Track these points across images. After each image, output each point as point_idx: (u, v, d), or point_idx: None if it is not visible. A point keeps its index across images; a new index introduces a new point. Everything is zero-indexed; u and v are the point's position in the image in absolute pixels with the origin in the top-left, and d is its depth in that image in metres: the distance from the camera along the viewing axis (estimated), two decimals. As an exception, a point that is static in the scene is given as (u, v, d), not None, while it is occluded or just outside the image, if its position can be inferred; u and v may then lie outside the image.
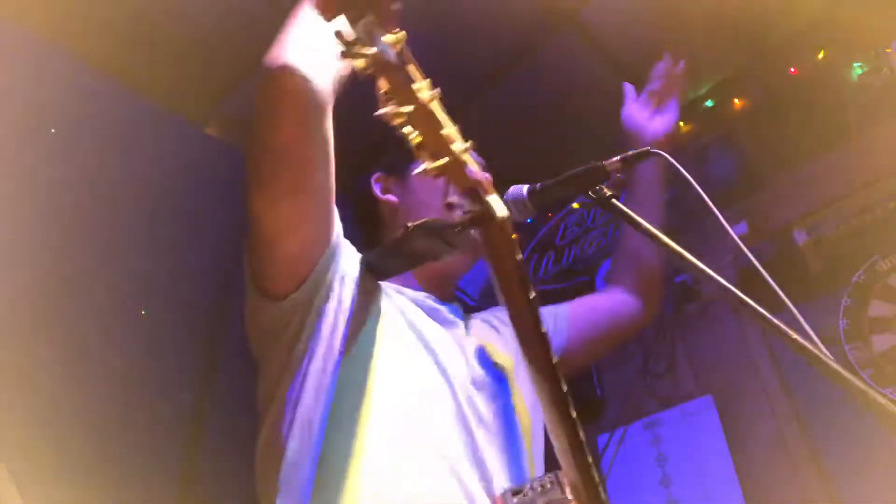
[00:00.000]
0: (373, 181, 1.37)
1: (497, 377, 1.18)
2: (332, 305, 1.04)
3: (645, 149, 1.13)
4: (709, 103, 2.43)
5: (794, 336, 0.83)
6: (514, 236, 0.68)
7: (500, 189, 1.28)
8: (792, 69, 2.25)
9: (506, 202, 1.23)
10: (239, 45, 1.97)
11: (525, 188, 1.20)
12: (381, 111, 0.57)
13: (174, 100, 2.08)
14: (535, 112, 2.40)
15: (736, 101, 2.37)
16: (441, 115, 0.60)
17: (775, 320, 0.85)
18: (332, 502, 0.93)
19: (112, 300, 1.83)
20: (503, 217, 0.66)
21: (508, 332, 1.32)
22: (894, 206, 1.89)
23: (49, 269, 1.71)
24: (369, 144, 1.23)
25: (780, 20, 2.15)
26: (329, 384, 1.01)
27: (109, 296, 1.82)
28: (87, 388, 1.70)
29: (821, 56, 2.21)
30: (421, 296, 1.22)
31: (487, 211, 0.65)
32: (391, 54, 0.56)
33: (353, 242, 1.15)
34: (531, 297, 0.70)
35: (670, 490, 2.03)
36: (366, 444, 0.96)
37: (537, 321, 0.71)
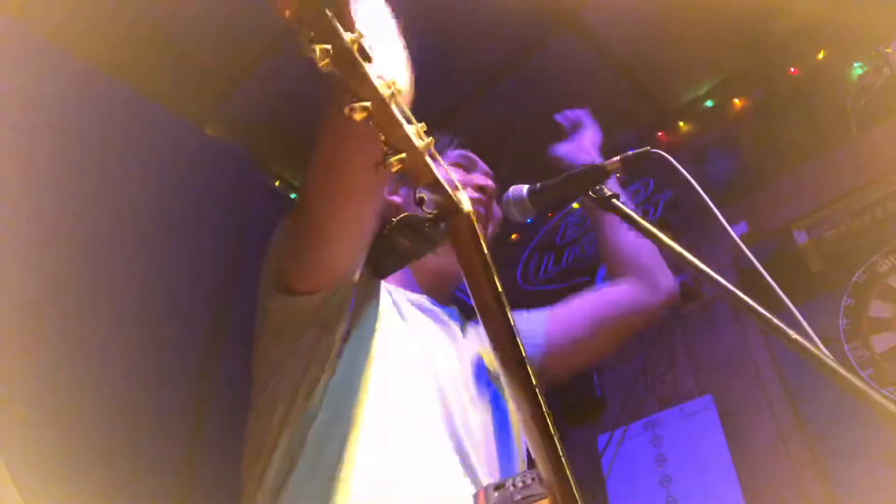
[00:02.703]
0: None
1: (490, 383, 1.18)
2: (342, 312, 1.05)
3: (645, 149, 1.13)
4: (709, 103, 2.43)
5: (794, 336, 0.83)
6: (477, 231, 0.69)
7: (501, 189, 1.28)
8: (792, 69, 2.25)
9: (506, 202, 1.23)
10: (239, 46, 1.97)
11: (525, 188, 1.20)
12: (343, 106, 0.59)
13: (174, 100, 2.09)
14: (536, 111, 2.40)
15: (736, 101, 2.37)
16: (403, 112, 0.61)
17: (775, 320, 0.85)
18: (317, 499, 0.94)
19: (111, 299, 1.83)
20: (468, 211, 0.67)
21: None
22: (894, 206, 1.89)
23: (49, 269, 1.71)
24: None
25: (780, 20, 2.15)
26: (324, 379, 1.02)
27: (109, 295, 1.82)
28: (87, 388, 1.70)
29: (821, 56, 2.21)
30: (418, 297, 1.23)
31: (452, 204, 0.66)
32: (350, 50, 0.57)
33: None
34: (498, 292, 0.70)
35: (670, 490, 2.03)
36: (355, 442, 0.97)
37: (506, 317, 0.71)
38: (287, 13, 0.56)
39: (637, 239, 1.42)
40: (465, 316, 1.33)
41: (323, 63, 0.57)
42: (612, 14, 2.11)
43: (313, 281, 1.03)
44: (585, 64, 2.25)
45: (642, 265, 1.43)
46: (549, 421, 0.72)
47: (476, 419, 1.09)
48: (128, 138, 1.95)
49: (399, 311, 1.14)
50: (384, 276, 1.17)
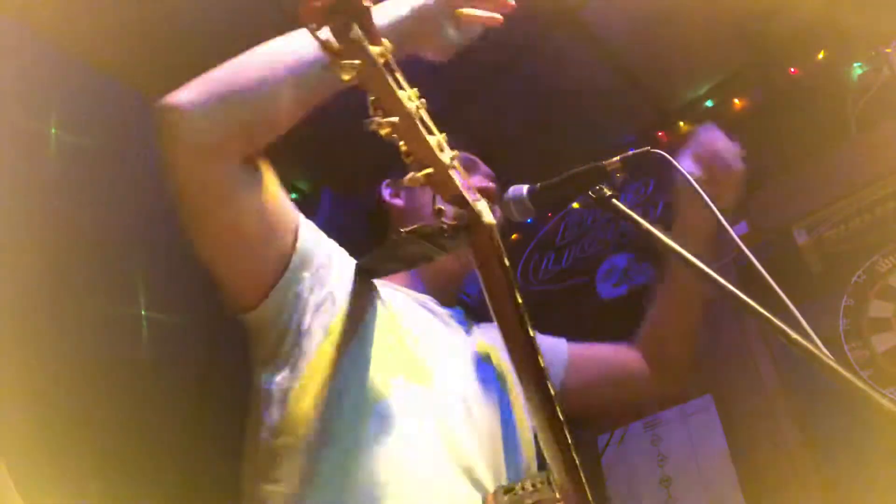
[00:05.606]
0: (383, 186, 1.39)
1: (496, 383, 1.17)
2: (310, 313, 1.04)
3: (645, 149, 1.13)
4: (709, 103, 2.43)
5: (794, 336, 0.83)
6: (499, 242, 0.69)
7: (501, 189, 1.28)
8: (792, 69, 2.25)
9: (506, 202, 1.23)
10: (239, 46, 1.96)
11: (525, 188, 1.20)
12: (368, 121, 0.58)
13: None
14: (535, 111, 2.40)
15: (736, 101, 2.37)
16: (427, 125, 0.61)
17: (775, 320, 0.85)
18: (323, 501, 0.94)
19: (111, 299, 1.83)
20: (490, 223, 0.67)
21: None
22: (894, 206, 1.89)
23: (49, 268, 1.71)
24: (387, 150, 1.25)
25: (780, 20, 2.15)
26: (320, 384, 1.01)
27: (108, 295, 1.82)
28: (86, 388, 1.69)
29: (821, 56, 2.21)
30: (423, 298, 1.22)
31: (474, 216, 0.66)
32: (377, 65, 0.56)
33: (365, 243, 1.16)
34: (518, 302, 0.71)
35: (670, 490, 2.03)
36: (357, 448, 0.96)
37: (524, 325, 0.72)
38: (313, 28, 0.54)
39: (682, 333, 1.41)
40: (471, 317, 1.33)
41: (348, 79, 0.56)
42: (611, 14, 2.11)
43: (248, 296, 1.03)
44: (585, 64, 2.25)
45: (671, 360, 1.44)
46: (565, 428, 0.73)
47: (483, 421, 1.09)
48: (127, 138, 1.95)
49: (401, 314, 1.14)
50: (379, 277, 1.17)
